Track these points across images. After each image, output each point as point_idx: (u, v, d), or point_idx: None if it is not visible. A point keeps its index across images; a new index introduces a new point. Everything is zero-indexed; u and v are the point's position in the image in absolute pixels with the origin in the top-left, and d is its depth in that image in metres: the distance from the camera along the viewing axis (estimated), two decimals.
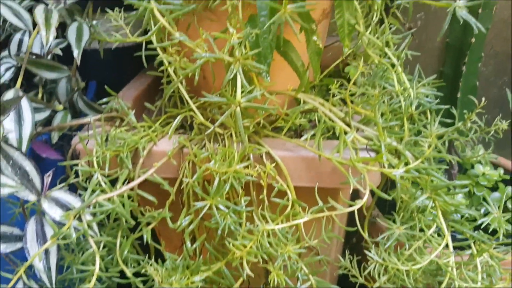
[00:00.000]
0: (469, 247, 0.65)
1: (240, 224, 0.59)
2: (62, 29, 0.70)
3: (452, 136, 0.73)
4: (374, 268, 0.62)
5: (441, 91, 1.00)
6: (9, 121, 0.55)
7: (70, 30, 0.64)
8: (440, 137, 0.68)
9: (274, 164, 0.62)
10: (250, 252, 0.55)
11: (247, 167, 0.63)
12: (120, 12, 0.68)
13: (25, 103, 0.58)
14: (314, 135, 0.63)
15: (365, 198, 0.58)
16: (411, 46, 1.04)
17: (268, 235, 0.57)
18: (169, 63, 0.64)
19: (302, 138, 0.64)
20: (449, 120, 0.75)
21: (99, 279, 0.63)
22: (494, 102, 1.10)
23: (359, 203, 0.57)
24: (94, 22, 0.67)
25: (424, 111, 0.74)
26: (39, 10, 0.57)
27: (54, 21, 0.56)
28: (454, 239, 0.66)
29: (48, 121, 0.73)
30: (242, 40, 0.53)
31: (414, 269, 0.59)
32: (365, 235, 0.66)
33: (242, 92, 0.55)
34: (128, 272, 0.64)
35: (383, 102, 0.71)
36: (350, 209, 0.58)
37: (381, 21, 0.77)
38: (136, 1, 0.58)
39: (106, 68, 0.89)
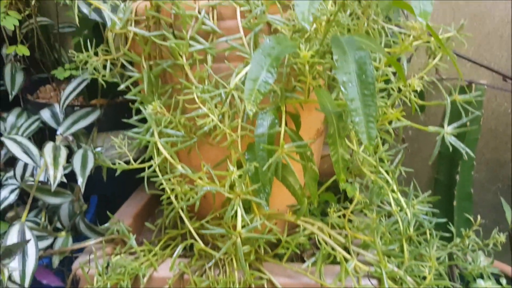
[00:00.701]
0: None
1: None
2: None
3: (453, 263, 0.73)
4: None
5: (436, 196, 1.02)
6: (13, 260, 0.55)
7: (75, 157, 0.67)
8: (440, 261, 0.69)
9: None
10: None
11: None
12: (124, 138, 0.71)
13: (29, 235, 0.59)
14: (315, 261, 0.63)
15: None
16: (405, 153, 1.07)
17: None
18: (172, 190, 0.66)
19: (304, 266, 0.64)
20: (447, 234, 0.76)
21: None
22: (490, 207, 1.11)
23: None
24: (99, 148, 0.70)
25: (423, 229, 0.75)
26: (48, 149, 0.60)
27: (62, 159, 0.59)
28: None
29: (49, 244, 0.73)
30: (242, 175, 0.55)
31: None
32: None
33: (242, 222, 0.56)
34: None
35: (381, 222, 0.72)
36: None
37: None
38: (140, 136, 0.61)
39: (107, 182, 0.91)
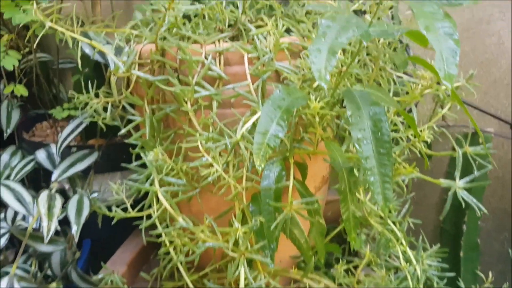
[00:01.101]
0: None
1: None
2: None
3: None
4: None
5: (443, 248, 0.98)
6: None
7: (70, 203, 0.64)
8: None
9: None
10: None
11: None
12: (121, 184, 0.68)
13: None
14: None
15: None
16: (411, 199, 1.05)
17: None
18: (171, 242, 0.62)
19: None
20: None
21: None
22: (497, 257, 1.08)
23: None
24: (95, 194, 0.67)
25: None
26: (42, 198, 0.57)
27: (57, 210, 0.56)
28: None
29: None
30: (246, 232, 0.52)
31: None
32: None
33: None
34: None
35: (389, 278, 0.68)
36: None
37: None
38: (139, 185, 0.58)
39: (102, 225, 0.87)
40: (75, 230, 0.61)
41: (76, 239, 0.61)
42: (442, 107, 0.81)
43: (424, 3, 0.42)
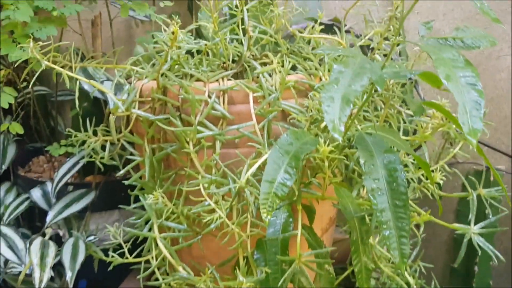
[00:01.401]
0: None
1: None
2: None
3: None
4: None
5: None
6: None
7: (65, 248, 0.60)
8: None
9: None
10: None
11: None
12: (119, 225, 0.65)
13: None
14: None
15: None
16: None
17: None
18: None
19: None
20: None
21: None
22: None
23: None
24: (91, 237, 0.63)
25: None
26: (35, 246, 0.54)
27: (50, 259, 0.53)
28: None
29: None
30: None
31: None
32: None
33: None
34: None
35: None
36: None
37: None
38: (137, 231, 0.55)
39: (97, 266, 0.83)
40: (69, 276, 0.57)
41: (71, 286, 0.57)
42: (451, 144, 0.79)
43: (442, 48, 0.39)
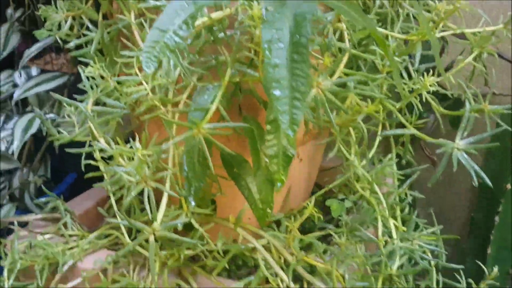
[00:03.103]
0: None
1: None
2: None
3: None
4: None
5: (469, 242, 0.83)
6: None
7: (21, 120, 0.60)
8: None
9: None
10: None
11: None
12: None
13: None
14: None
15: None
16: (438, 184, 0.89)
17: None
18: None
19: (234, 285, 0.51)
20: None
21: None
22: None
23: None
24: (51, 115, 0.62)
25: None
26: None
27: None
28: None
29: None
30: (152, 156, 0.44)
31: None
32: None
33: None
34: None
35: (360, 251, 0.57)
36: None
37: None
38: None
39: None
40: (16, 145, 0.57)
41: (16, 155, 0.57)
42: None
43: None
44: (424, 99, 0.60)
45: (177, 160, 0.48)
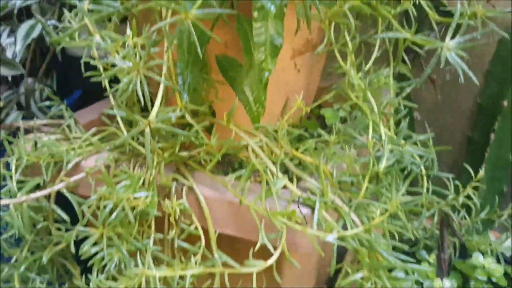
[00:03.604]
0: None
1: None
2: None
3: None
4: None
5: (466, 163, 0.84)
6: None
7: (22, 26, 0.62)
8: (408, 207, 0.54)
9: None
10: None
11: (164, 197, 0.55)
12: None
13: None
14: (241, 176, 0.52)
15: (272, 260, 0.47)
16: (437, 104, 0.90)
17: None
18: None
19: (227, 178, 0.54)
20: None
21: None
22: None
23: (260, 266, 0.46)
24: (53, 21, 0.64)
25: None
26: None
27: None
28: None
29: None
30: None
31: None
32: None
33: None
34: None
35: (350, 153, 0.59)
36: (248, 269, 0.46)
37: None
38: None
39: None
40: (17, 48, 0.59)
41: (18, 57, 0.59)
42: None
43: None
44: None
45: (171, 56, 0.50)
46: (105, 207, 0.50)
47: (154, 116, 0.48)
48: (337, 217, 0.52)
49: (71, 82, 0.86)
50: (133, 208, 0.50)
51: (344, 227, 0.50)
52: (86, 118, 0.75)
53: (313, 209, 0.50)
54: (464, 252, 0.71)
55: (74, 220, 0.60)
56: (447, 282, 0.64)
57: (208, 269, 0.47)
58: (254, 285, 0.47)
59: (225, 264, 0.48)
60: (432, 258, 0.69)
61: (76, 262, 0.66)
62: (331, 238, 0.48)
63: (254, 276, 0.46)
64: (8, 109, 0.72)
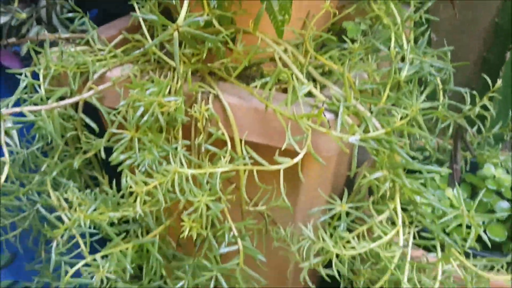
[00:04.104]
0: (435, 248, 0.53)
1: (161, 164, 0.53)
2: None
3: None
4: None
5: (480, 83, 0.85)
6: None
7: None
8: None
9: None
10: (154, 192, 0.49)
11: (190, 105, 0.57)
12: None
13: None
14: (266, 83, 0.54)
15: (297, 159, 0.49)
16: (454, 26, 0.90)
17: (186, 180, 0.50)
18: None
19: (252, 85, 0.55)
20: None
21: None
22: None
23: (287, 162, 0.48)
24: None
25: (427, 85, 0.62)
26: None
27: None
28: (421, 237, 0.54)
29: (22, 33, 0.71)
30: None
31: (346, 254, 0.49)
32: None
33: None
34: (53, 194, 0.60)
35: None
36: (276, 166, 0.49)
37: None
38: None
39: None
40: None
41: None
42: None
43: None
44: None
45: None
46: (135, 111, 0.52)
47: (182, 20, 0.49)
48: (359, 123, 0.54)
49: (87, 0, 0.85)
50: (162, 114, 0.52)
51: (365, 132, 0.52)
52: (107, 33, 0.75)
53: (336, 114, 0.52)
54: (475, 167, 0.74)
55: (101, 133, 0.63)
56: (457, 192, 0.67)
57: (237, 166, 0.49)
58: (281, 181, 0.50)
59: (252, 163, 0.50)
60: (444, 171, 0.71)
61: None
62: (354, 139, 0.50)
63: (281, 172, 0.48)
64: (28, 25, 0.72)
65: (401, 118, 0.52)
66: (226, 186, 0.54)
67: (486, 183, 0.67)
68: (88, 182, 0.71)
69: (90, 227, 0.51)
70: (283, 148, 0.50)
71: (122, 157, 0.56)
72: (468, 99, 0.63)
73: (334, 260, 0.50)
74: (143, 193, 0.48)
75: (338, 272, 0.51)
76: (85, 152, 0.63)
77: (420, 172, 0.50)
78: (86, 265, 0.52)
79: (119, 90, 0.60)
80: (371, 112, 0.53)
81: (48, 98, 0.60)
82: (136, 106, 0.52)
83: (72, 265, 0.52)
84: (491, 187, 0.67)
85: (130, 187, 0.51)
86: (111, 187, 0.58)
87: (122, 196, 0.59)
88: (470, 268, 0.52)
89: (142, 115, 0.51)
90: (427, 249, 0.55)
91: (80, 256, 0.55)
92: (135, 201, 0.51)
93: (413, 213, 0.54)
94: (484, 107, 0.62)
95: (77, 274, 0.53)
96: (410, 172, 0.53)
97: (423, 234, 0.54)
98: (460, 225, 0.57)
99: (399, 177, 0.50)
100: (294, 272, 0.63)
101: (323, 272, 0.51)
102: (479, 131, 0.68)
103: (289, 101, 0.51)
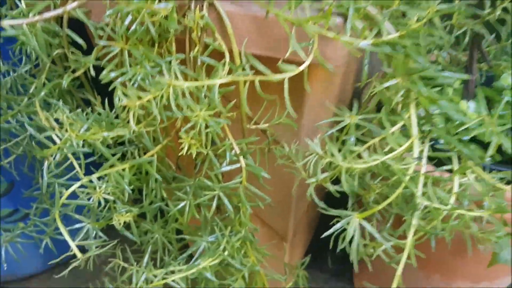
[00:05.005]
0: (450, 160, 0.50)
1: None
2: None
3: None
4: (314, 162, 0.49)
5: None
6: None
7: None
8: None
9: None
10: (148, 107, 0.45)
11: (183, 15, 0.51)
12: None
13: None
14: None
15: (303, 67, 0.45)
16: None
17: (183, 95, 0.46)
18: None
19: None
20: None
21: None
22: None
23: (292, 70, 0.44)
24: None
25: None
26: None
27: None
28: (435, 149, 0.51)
29: None
30: None
31: (356, 168, 0.46)
32: None
33: None
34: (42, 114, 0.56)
35: None
36: (280, 76, 0.45)
37: None
38: None
39: None
40: None
41: None
42: None
43: None
44: None
45: None
46: (123, 20, 0.48)
47: None
48: (371, 28, 0.49)
49: None
50: (153, 24, 0.47)
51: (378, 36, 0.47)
52: None
53: (345, 18, 0.47)
54: (490, 81, 0.69)
55: (89, 51, 0.58)
56: (472, 104, 0.63)
57: (237, 77, 0.45)
58: (286, 93, 0.46)
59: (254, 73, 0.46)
60: (458, 83, 0.67)
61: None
62: (365, 44, 0.45)
63: (286, 81, 0.45)
64: None
65: (417, 20, 0.47)
66: (226, 106, 0.50)
67: (504, 94, 0.63)
68: (81, 105, 0.67)
69: (84, 147, 0.48)
70: (286, 57, 0.46)
71: (112, 74, 0.52)
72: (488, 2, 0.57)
73: (344, 175, 0.47)
74: (137, 108, 0.44)
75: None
76: (74, 71, 0.58)
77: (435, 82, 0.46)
78: (83, 186, 0.49)
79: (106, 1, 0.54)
80: (384, 15, 0.48)
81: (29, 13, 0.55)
82: (124, 14, 0.47)
83: (67, 188, 0.50)
84: (506, 97, 0.63)
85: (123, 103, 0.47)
86: (104, 108, 0.54)
87: (117, 117, 0.55)
88: (487, 180, 0.49)
89: (130, 24, 0.47)
90: (438, 165, 0.52)
91: (76, 179, 0.52)
92: (128, 120, 0.47)
93: (427, 126, 0.50)
94: (505, 10, 0.57)
95: (74, 197, 0.51)
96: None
97: (437, 146, 0.51)
98: (472, 139, 0.54)
99: (415, 84, 0.46)
100: (298, 190, 0.61)
101: (332, 187, 0.49)
102: (497, 38, 0.63)
103: (292, 4, 0.46)
